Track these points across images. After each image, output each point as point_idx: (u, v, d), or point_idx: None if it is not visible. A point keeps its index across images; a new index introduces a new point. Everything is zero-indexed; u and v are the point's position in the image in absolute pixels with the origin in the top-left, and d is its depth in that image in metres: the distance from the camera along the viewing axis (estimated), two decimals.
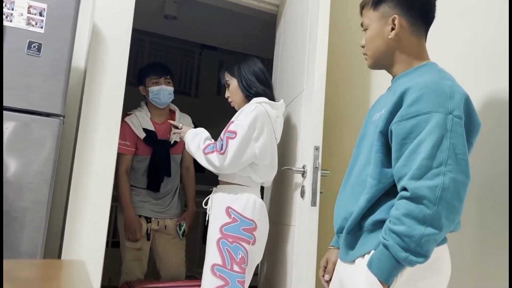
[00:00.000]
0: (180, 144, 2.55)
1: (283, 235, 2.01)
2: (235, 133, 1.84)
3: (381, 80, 2.06)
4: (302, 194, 1.84)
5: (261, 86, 2.01)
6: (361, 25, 1.35)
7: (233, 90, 2.05)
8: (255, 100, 1.95)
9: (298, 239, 1.84)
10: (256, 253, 1.88)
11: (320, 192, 1.81)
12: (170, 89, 2.52)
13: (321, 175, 1.81)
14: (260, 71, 2.05)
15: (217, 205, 1.92)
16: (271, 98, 2.01)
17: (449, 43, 1.61)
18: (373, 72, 2.13)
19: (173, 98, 2.55)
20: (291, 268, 1.88)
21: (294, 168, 1.87)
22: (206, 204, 2.01)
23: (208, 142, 1.91)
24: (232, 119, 1.93)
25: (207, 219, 1.99)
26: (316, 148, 1.81)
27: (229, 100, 2.09)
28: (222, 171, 1.88)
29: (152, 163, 2.51)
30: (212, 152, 1.85)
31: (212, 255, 1.82)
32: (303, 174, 1.84)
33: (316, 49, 1.86)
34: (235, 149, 1.81)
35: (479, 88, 1.45)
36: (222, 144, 1.84)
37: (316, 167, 1.78)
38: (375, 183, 1.18)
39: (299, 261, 1.80)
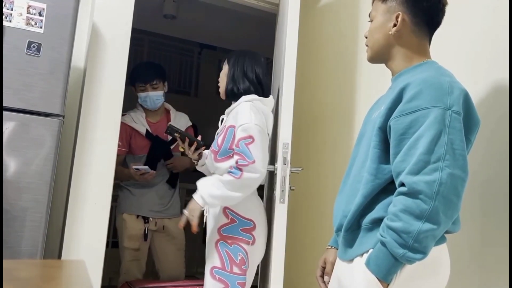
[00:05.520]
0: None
1: (269, 234, 2.00)
2: (251, 137, 1.73)
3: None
4: (274, 191, 1.83)
5: (248, 83, 1.90)
6: (369, 15, 1.35)
7: (222, 75, 1.99)
8: (243, 98, 1.85)
9: (271, 237, 1.85)
10: (256, 253, 1.85)
11: (292, 189, 1.79)
12: (158, 93, 2.50)
13: (292, 172, 1.78)
14: (252, 70, 1.93)
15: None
16: (261, 95, 1.91)
17: (451, 39, 1.61)
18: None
19: (163, 101, 2.53)
20: (270, 266, 1.87)
21: None
22: None
23: (226, 174, 1.74)
24: (231, 123, 1.83)
25: (204, 221, 1.97)
26: (285, 145, 1.78)
27: (219, 84, 2.02)
28: (262, 176, 1.75)
29: (150, 154, 2.49)
30: (241, 170, 1.70)
31: (211, 258, 1.79)
32: (274, 171, 1.82)
33: (285, 45, 1.85)
34: (261, 150, 1.73)
35: (480, 86, 1.45)
36: (245, 155, 1.71)
37: (285, 164, 1.76)
38: (372, 179, 1.17)
39: (273, 258, 1.81)
